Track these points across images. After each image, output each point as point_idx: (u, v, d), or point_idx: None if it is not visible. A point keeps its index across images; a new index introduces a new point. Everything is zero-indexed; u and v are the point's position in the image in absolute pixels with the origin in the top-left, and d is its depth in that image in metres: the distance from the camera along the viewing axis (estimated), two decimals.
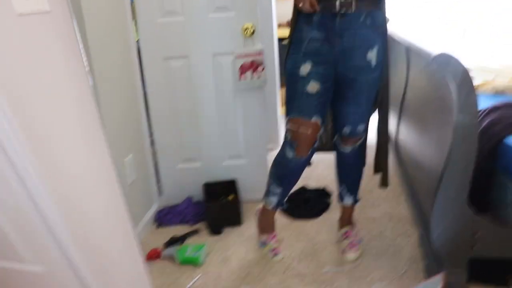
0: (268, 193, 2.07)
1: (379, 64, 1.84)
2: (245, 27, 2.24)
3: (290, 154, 1.90)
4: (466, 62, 1.45)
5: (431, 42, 1.91)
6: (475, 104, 1.43)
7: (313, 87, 1.80)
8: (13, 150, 0.88)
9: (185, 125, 2.49)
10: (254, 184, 2.57)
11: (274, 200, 2.06)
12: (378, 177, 2.14)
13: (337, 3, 1.71)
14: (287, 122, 1.90)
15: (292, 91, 1.86)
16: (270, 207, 2.09)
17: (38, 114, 0.91)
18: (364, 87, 1.85)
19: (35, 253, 1.09)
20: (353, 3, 1.71)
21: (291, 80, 1.86)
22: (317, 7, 1.72)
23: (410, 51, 2.24)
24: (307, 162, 1.96)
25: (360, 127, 1.94)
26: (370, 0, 1.74)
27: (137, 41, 2.32)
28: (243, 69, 2.29)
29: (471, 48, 4.34)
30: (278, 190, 2.03)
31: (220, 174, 2.58)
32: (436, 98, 1.73)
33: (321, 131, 1.91)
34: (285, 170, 1.97)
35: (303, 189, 2.76)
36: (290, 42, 1.88)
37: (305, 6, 1.73)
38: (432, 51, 1.62)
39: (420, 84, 2.11)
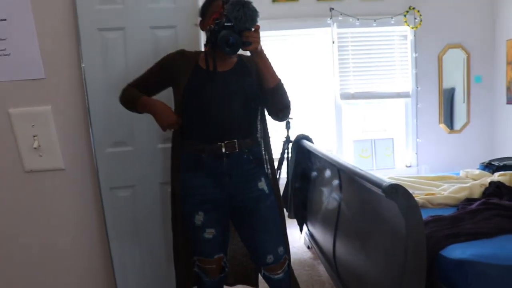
0: None
1: (271, 190, 2.01)
2: None
3: (205, 278, 2.07)
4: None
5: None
6: (422, 232, 1.63)
7: (209, 233, 1.96)
8: None
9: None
10: None
11: None
12: None
13: (223, 145, 1.87)
14: (194, 259, 2.06)
15: (192, 235, 2.01)
16: None
17: None
18: (267, 213, 1.98)
19: None
20: (236, 144, 1.88)
21: (189, 225, 2.00)
22: (179, 121, 1.87)
23: (342, 172, 2.40)
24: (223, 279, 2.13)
25: (280, 249, 2.02)
26: (250, 139, 1.95)
27: None
28: None
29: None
30: None
31: None
32: (383, 221, 1.89)
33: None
34: None
35: None
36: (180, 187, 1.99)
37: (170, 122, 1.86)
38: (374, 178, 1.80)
39: (360, 204, 2.27)
